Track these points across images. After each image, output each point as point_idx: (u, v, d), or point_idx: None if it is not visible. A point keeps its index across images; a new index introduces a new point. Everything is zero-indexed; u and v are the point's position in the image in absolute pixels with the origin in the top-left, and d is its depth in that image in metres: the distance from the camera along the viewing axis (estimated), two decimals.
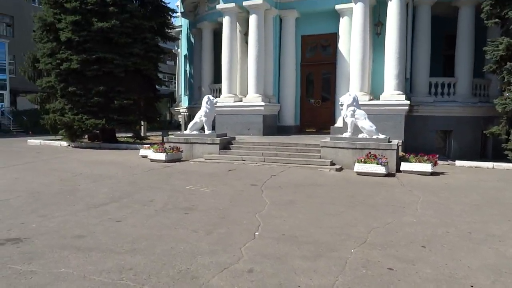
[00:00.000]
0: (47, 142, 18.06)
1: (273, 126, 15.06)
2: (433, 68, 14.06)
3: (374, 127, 9.89)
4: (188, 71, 22.08)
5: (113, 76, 15.85)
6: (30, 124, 28.36)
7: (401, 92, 12.40)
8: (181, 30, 23.15)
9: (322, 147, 10.26)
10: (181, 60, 24.07)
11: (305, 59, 15.80)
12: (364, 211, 5.58)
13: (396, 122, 12.22)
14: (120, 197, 6.30)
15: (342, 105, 10.70)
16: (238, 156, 10.90)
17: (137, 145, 16.05)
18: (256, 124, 14.18)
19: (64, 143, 17.32)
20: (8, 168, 9.87)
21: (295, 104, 15.69)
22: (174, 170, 9.54)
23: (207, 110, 11.77)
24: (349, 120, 10.10)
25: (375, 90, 13.38)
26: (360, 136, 10.08)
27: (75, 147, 16.75)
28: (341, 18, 14.42)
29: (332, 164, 9.89)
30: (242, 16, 15.15)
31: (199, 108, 17.63)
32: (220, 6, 14.62)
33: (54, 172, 9.14)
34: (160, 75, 21.12)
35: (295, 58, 15.52)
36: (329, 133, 14.98)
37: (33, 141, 18.45)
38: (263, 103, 14.09)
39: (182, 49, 23.56)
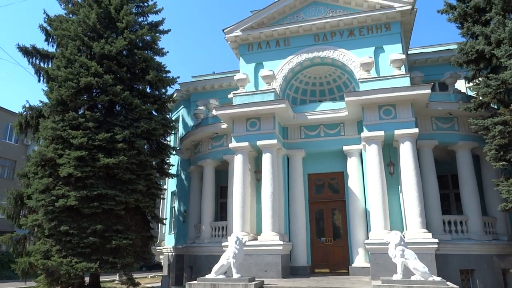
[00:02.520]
0: None
1: (287, 266, 14.07)
2: None
3: (426, 268, 9.43)
4: (176, 208, 21.23)
5: (113, 214, 14.69)
6: None
7: (426, 230, 12.37)
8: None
9: None
10: (167, 197, 23.30)
11: (312, 197, 15.81)
12: None
13: (428, 262, 11.78)
14: None
15: (386, 243, 10.26)
16: None
17: None
18: (274, 265, 13.13)
19: None
20: None
21: (306, 242, 15.03)
22: None
23: (236, 251, 10.79)
24: (398, 261, 9.61)
25: (395, 228, 13.25)
26: (412, 278, 9.49)
27: None
28: (348, 158, 15.07)
29: None
30: (252, 155, 15.40)
31: (197, 248, 16.54)
32: (233, 145, 14.86)
33: None
34: None
35: (304, 195, 15.48)
36: (345, 274, 14.28)
37: None
38: (281, 242, 13.34)
39: (169, 186, 23.05)
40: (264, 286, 10.77)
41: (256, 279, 11.13)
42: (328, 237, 15.29)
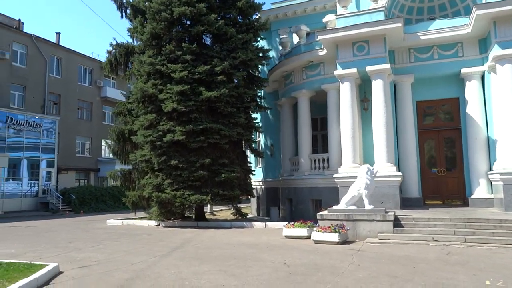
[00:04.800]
0: (130, 222, 16.26)
1: (400, 198, 13.53)
2: None
3: None
4: (262, 143, 21.06)
5: (217, 148, 14.64)
6: (78, 203, 26.67)
7: None
8: None
9: None
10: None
11: (422, 126, 14.77)
12: None
13: None
14: None
15: None
16: (426, 236, 9.25)
17: (244, 223, 14.33)
18: (392, 196, 12.63)
19: (152, 223, 15.55)
20: (168, 257, 8.14)
21: (417, 173, 14.29)
22: (380, 255, 7.81)
23: (368, 182, 10.31)
24: None
25: None
26: None
27: (167, 226, 14.97)
28: (467, 82, 13.66)
29: None
30: (357, 82, 14.40)
31: (298, 180, 16.35)
32: (339, 72, 13.87)
33: (241, 261, 7.41)
34: None
35: (413, 124, 14.47)
36: (459, 205, 13.59)
37: (113, 221, 16.62)
38: (399, 173, 12.75)
39: None
40: (397, 216, 10.31)
41: (388, 211, 10.68)
42: (440, 167, 14.43)
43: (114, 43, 18.33)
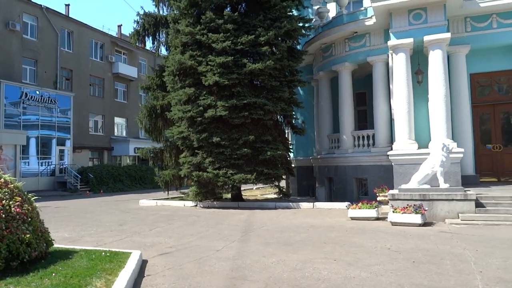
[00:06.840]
0: (165, 202, 15.56)
1: None
2: None
3: None
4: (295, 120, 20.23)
5: (259, 124, 13.82)
6: (96, 182, 25.95)
7: None
8: None
9: None
10: None
11: (476, 99, 13.98)
12: None
13: None
14: None
15: None
16: None
17: (290, 203, 13.66)
18: (453, 174, 11.87)
19: (189, 203, 14.85)
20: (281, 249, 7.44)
21: (471, 150, 13.59)
22: (486, 238, 7.13)
23: (444, 159, 9.57)
24: None
25: None
26: None
27: (206, 207, 14.29)
28: None
29: None
30: (410, 54, 13.48)
31: (340, 158, 15.59)
32: (392, 42, 12.94)
33: (337, 247, 6.72)
34: None
35: (467, 98, 13.67)
36: None
37: (145, 202, 15.91)
38: (462, 150, 11.99)
39: None
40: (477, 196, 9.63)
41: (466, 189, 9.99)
42: (496, 143, 13.71)
43: (141, 12, 17.19)
